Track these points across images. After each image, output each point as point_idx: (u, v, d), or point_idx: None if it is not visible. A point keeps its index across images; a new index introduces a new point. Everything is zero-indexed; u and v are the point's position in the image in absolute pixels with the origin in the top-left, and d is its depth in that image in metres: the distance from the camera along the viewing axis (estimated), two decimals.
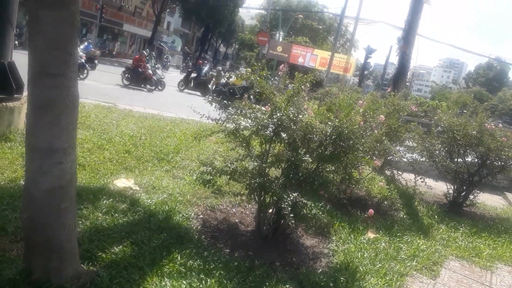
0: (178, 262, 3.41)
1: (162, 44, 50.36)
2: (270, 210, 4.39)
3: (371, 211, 5.27)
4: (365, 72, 31.29)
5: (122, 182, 5.06)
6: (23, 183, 2.85)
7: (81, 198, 4.15)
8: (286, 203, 3.54)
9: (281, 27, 41.90)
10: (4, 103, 6.02)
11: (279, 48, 32.85)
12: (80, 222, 3.69)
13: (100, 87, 15.63)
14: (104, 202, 4.27)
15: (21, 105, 6.32)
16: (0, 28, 6.02)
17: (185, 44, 60.41)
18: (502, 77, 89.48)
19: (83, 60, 17.27)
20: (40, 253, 2.74)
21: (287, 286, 3.39)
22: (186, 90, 21.19)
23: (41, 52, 2.47)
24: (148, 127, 8.66)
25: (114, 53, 39.11)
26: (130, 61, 25.68)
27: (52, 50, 2.46)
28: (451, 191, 7.49)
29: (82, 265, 3.00)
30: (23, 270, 2.76)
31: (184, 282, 3.13)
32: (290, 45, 34.16)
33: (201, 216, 4.67)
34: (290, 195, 3.59)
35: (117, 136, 7.26)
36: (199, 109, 4.25)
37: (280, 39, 41.45)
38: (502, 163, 6.98)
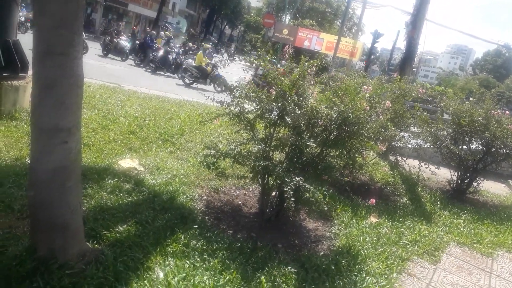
0: (181, 242, 3.45)
1: (167, 25, 49.91)
2: (273, 193, 4.41)
3: (372, 200, 5.27)
4: (372, 57, 31.00)
5: (127, 163, 5.08)
6: (29, 162, 2.87)
7: (86, 178, 4.19)
8: (289, 187, 3.55)
9: (287, 9, 41.37)
10: (9, 82, 6.02)
11: (285, 31, 32.41)
12: (85, 201, 3.73)
13: None
14: (109, 181, 4.30)
15: (26, 83, 6.32)
16: (5, 6, 5.98)
17: (190, 26, 59.83)
18: (510, 64, 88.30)
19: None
20: (46, 231, 2.77)
21: (289, 267, 3.42)
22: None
23: (46, 31, 2.45)
24: (152, 108, 8.65)
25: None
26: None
27: (57, 29, 2.44)
28: (454, 178, 7.48)
29: (87, 243, 3.04)
30: (29, 247, 2.80)
31: (187, 262, 3.17)
32: (296, 28, 33.72)
33: (205, 197, 4.70)
34: (293, 179, 3.59)
35: (122, 116, 7.27)
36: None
37: (287, 22, 40.98)
38: (507, 151, 6.95)
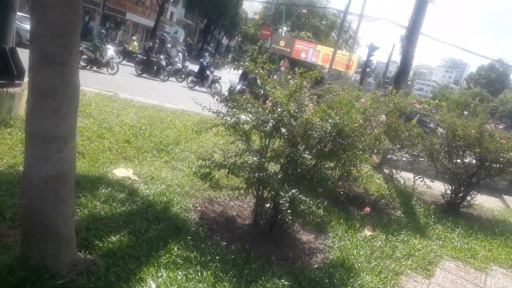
0: (174, 253, 3.42)
1: (164, 34, 50.13)
2: (268, 205, 4.40)
3: (367, 209, 5.29)
4: (367, 70, 31.18)
5: (121, 172, 5.06)
6: (22, 170, 2.85)
7: (80, 187, 4.16)
8: (284, 199, 3.55)
9: (284, 21, 41.69)
10: (4, 89, 6.01)
11: (282, 43, 32.68)
12: (78, 210, 3.70)
13: None
14: (103, 191, 4.28)
15: (21, 91, 6.31)
16: (2, 13, 5.99)
17: (187, 35, 60.15)
18: (504, 79, 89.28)
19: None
20: (38, 240, 2.74)
21: (283, 280, 3.40)
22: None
23: (44, 39, 2.46)
24: (148, 117, 8.65)
25: (116, 42, 38.87)
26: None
27: (55, 38, 2.44)
28: (448, 192, 7.51)
29: (79, 253, 3.01)
30: (20, 256, 2.77)
31: (180, 273, 3.15)
32: (293, 39, 33.99)
33: (199, 208, 4.68)
34: (288, 191, 3.59)
35: (117, 125, 7.26)
36: None
37: (283, 34, 41.27)
38: (501, 166, 6.98)
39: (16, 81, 6.27)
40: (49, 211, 2.69)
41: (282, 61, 4.78)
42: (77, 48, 2.60)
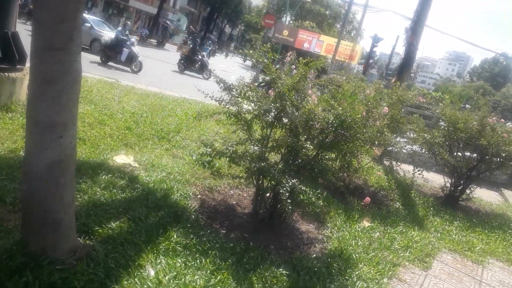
0: (174, 240, 3.44)
1: (167, 22, 49.84)
2: (268, 194, 4.41)
3: (367, 198, 5.30)
4: (370, 61, 31.01)
5: (122, 159, 5.07)
6: (23, 155, 2.85)
7: (80, 173, 4.17)
8: (284, 189, 3.55)
9: (288, 10, 41.35)
10: (6, 73, 5.98)
11: (285, 32, 32.44)
12: (78, 196, 3.71)
13: None
14: (103, 177, 4.29)
15: (23, 76, 6.28)
16: None
17: (190, 23, 59.72)
18: (507, 73, 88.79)
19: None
20: (37, 226, 2.75)
21: (281, 269, 3.42)
22: None
23: (46, 25, 2.43)
24: (149, 104, 8.63)
25: (119, 28, 38.61)
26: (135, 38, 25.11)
27: (57, 23, 2.42)
28: (448, 185, 7.51)
29: (78, 238, 3.03)
30: (20, 241, 2.78)
31: (179, 260, 3.17)
32: (296, 29, 33.75)
33: (199, 196, 4.69)
34: (289, 181, 3.60)
35: (119, 112, 7.25)
36: None
37: (287, 23, 40.98)
38: (501, 160, 6.98)
39: (17, 66, 6.24)
40: (49, 198, 2.69)
41: (290, 52, 4.74)
42: (79, 34, 2.57)
